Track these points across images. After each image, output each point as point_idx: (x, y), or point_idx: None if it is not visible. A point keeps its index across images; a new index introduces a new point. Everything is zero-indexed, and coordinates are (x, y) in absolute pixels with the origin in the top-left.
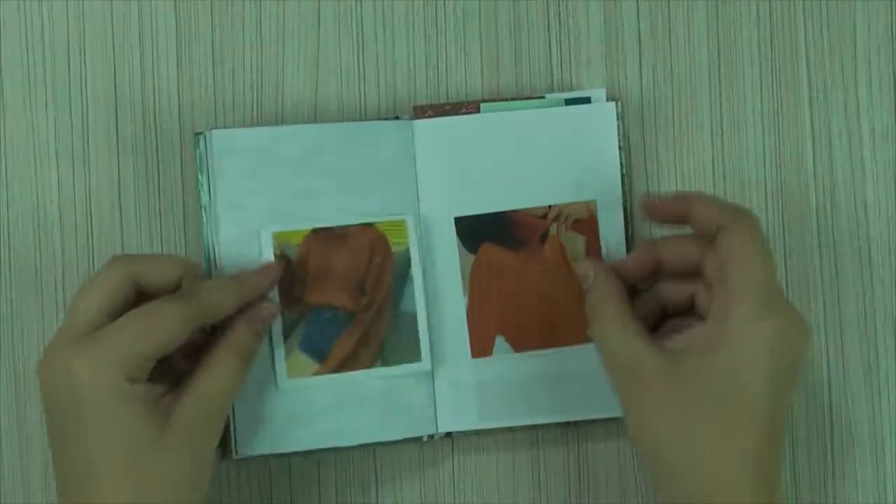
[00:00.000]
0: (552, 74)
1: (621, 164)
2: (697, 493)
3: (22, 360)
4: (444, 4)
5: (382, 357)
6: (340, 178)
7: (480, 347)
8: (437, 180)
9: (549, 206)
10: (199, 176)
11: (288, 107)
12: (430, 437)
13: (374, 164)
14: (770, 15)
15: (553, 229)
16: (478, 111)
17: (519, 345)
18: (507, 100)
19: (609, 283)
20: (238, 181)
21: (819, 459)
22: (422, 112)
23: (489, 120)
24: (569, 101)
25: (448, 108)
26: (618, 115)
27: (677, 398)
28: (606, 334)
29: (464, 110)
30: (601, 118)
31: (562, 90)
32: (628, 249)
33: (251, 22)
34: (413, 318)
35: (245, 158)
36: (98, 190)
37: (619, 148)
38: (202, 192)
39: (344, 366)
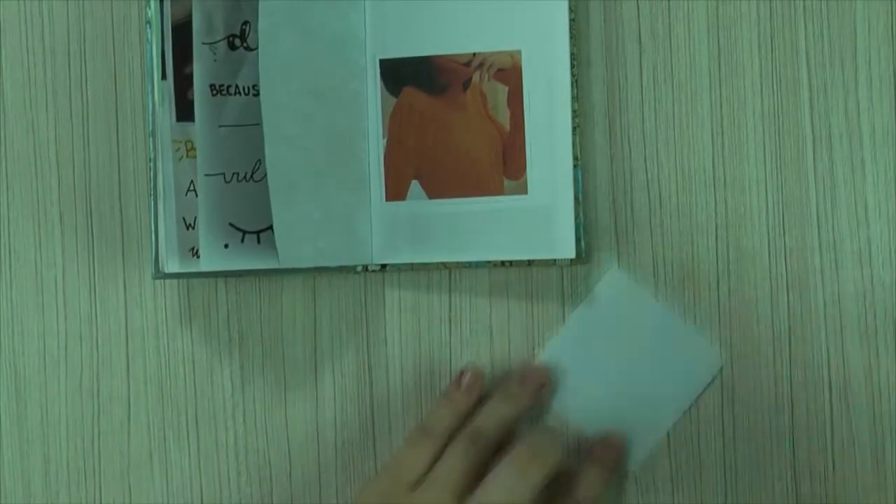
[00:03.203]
0: None
1: (570, 9)
2: None
3: (22, 360)
4: None
5: None
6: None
7: (395, 191)
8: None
9: (474, 54)
10: None
11: None
12: (365, 267)
13: None
14: (770, 15)
15: (476, 77)
16: None
17: (433, 192)
18: None
19: None
20: None
21: (819, 459)
22: None
23: None
24: None
25: None
26: None
27: None
28: None
29: None
30: None
31: None
32: (575, 111)
33: None
34: None
35: None
36: (98, 190)
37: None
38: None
39: None
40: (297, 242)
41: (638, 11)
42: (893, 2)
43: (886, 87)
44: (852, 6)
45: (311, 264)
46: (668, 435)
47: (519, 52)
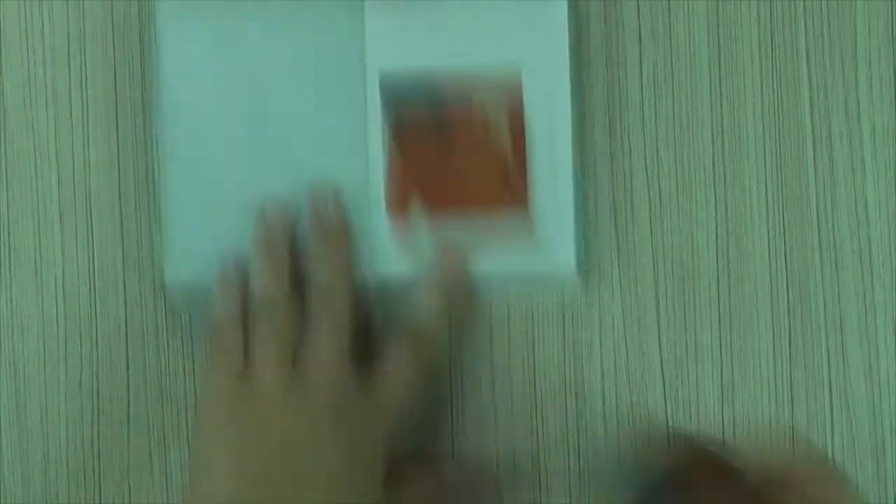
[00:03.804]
0: None
1: (569, 25)
2: None
3: (22, 360)
4: None
5: None
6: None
7: (396, 209)
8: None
9: (475, 70)
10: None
11: None
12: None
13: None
14: (770, 15)
15: (476, 95)
16: None
17: (435, 209)
18: None
19: None
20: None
21: None
22: None
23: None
24: None
25: None
26: (568, 10)
27: None
28: None
29: None
30: (551, 14)
31: None
32: (577, 132)
33: None
34: None
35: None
36: (98, 190)
37: (569, 46)
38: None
39: None
40: None
41: (638, 11)
42: (893, 2)
43: (886, 87)
44: (852, 6)
45: None
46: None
47: (520, 69)
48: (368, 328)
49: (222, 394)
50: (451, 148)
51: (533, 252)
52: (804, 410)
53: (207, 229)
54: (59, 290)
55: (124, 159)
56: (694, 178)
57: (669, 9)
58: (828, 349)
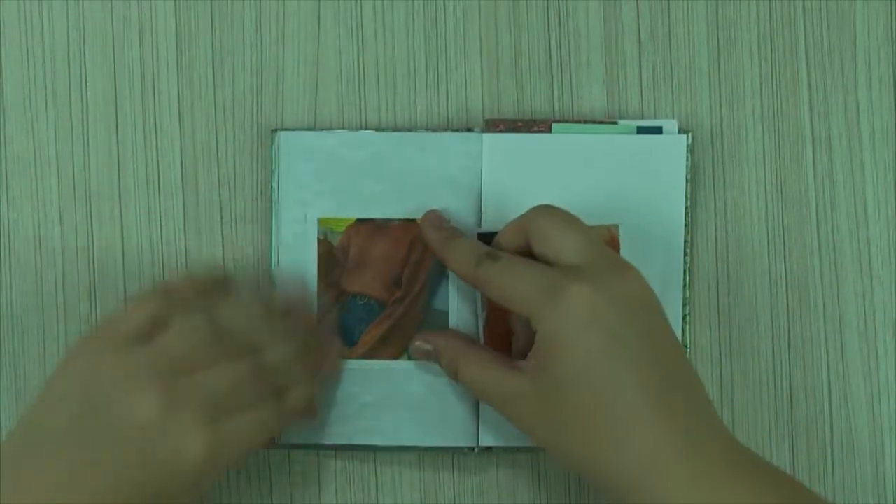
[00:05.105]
0: (552, 75)
1: (686, 196)
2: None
3: (22, 361)
4: (444, 4)
5: (409, 352)
6: (403, 185)
7: None
8: (501, 195)
9: None
10: (271, 173)
11: (288, 108)
12: (471, 449)
13: (438, 174)
14: (770, 15)
15: None
16: (549, 131)
17: None
18: (579, 122)
19: (451, 342)
20: (302, 181)
21: (819, 460)
22: (493, 126)
23: (560, 140)
24: (640, 130)
25: (520, 124)
26: (688, 147)
27: (549, 413)
28: (473, 381)
29: (535, 128)
30: (670, 149)
31: (562, 90)
32: (686, 283)
33: (251, 22)
34: (444, 316)
35: (311, 160)
36: (98, 190)
37: (686, 181)
38: (272, 190)
39: (370, 354)
40: None
41: (638, 11)
42: (893, 2)
43: (886, 88)
44: (852, 6)
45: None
46: None
47: (617, 226)
48: None
49: (93, 344)
50: None
51: None
52: (804, 411)
53: None
54: (59, 290)
55: (124, 159)
56: (694, 179)
57: (669, 9)
58: (827, 350)
